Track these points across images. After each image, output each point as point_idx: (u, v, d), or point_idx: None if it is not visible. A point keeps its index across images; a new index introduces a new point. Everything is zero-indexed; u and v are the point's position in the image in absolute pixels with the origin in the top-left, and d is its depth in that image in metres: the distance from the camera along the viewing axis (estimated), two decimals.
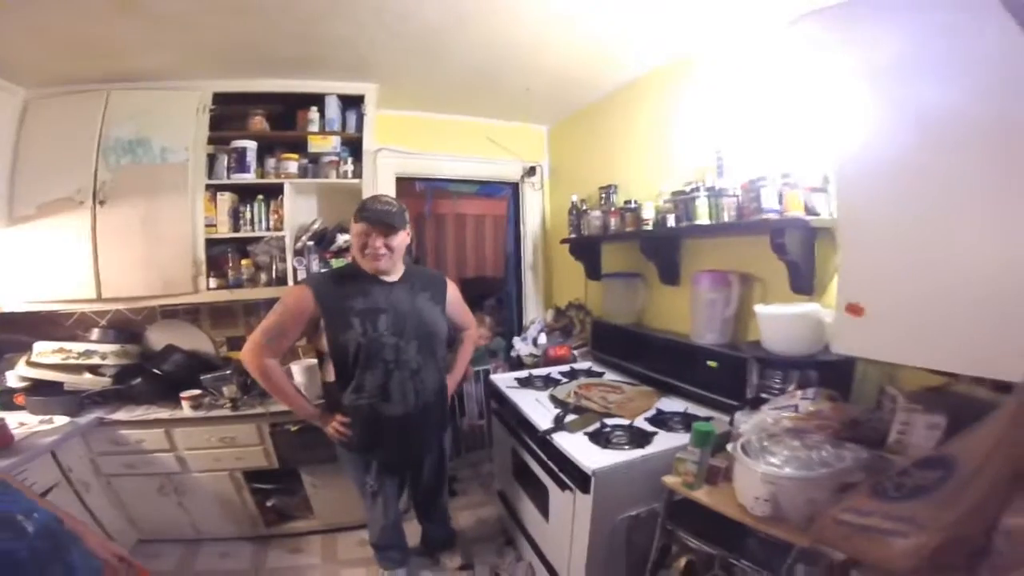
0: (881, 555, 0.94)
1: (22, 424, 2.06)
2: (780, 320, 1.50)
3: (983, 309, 0.98)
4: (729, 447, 1.28)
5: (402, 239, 1.72)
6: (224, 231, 2.45)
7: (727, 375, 1.79)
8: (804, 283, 1.61)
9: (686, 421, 1.77)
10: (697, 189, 1.86)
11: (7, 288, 2.24)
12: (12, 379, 2.28)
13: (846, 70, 1.21)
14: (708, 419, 1.48)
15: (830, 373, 1.43)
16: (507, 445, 2.27)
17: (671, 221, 2.00)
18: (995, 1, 0.92)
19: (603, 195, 2.56)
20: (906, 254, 1.09)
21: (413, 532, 2.30)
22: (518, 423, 2.10)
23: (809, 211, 1.55)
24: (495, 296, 4.02)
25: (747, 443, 1.22)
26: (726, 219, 1.77)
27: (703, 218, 1.84)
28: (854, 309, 1.17)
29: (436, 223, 3.70)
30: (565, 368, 2.62)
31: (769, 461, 1.14)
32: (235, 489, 2.37)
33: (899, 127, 1.10)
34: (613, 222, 2.39)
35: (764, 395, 1.51)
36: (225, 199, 2.45)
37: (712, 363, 1.87)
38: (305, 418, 1.88)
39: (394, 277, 1.77)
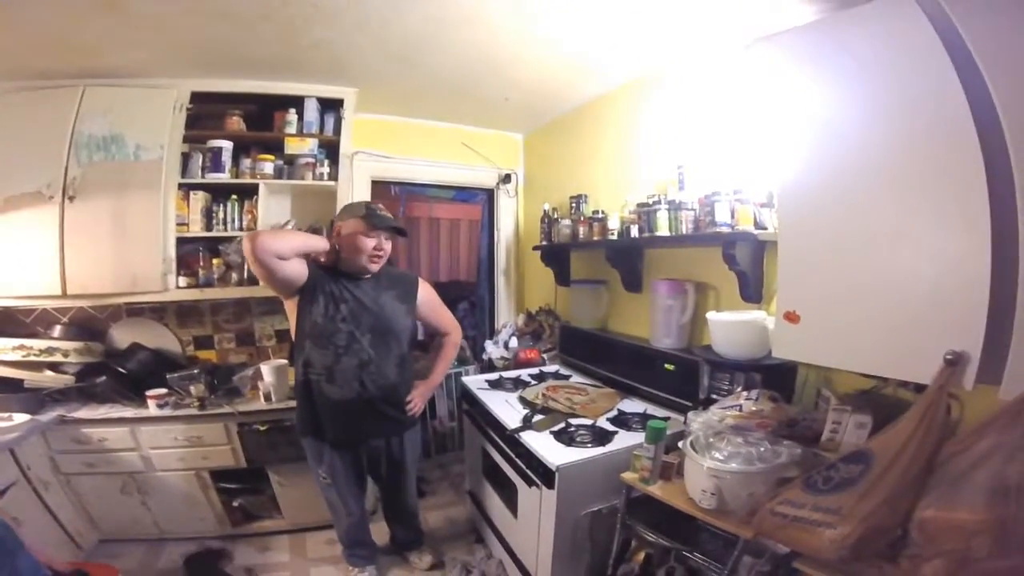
0: (812, 545, 1.02)
1: None
2: (728, 326, 1.60)
3: (900, 319, 1.08)
4: (680, 444, 1.36)
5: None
6: (196, 230, 2.44)
7: (683, 377, 1.88)
8: (753, 292, 1.71)
9: (645, 421, 1.82)
10: (659, 202, 1.95)
11: None
12: None
13: (789, 94, 1.31)
14: (666, 419, 1.55)
15: (774, 376, 1.53)
16: (477, 445, 2.31)
17: (634, 231, 2.08)
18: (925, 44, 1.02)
19: (573, 204, 2.64)
20: (834, 267, 1.19)
21: (383, 532, 2.31)
22: (488, 423, 2.15)
23: (758, 225, 1.65)
24: (468, 300, 4.05)
25: (695, 440, 1.29)
26: (684, 231, 1.86)
27: (663, 229, 1.93)
28: (791, 317, 1.26)
29: (410, 227, 3.72)
30: (534, 371, 2.69)
31: (714, 456, 1.21)
32: (201, 488, 2.35)
33: (828, 153, 1.20)
34: (582, 231, 2.46)
35: (714, 396, 1.60)
36: (198, 198, 2.44)
37: (669, 366, 1.96)
38: (318, 248, 1.83)
39: (366, 275, 1.85)
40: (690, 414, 1.49)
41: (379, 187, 3.22)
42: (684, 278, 2.02)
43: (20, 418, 2.07)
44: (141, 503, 2.31)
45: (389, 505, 2.21)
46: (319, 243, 1.82)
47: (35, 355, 2.25)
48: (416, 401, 1.98)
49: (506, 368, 2.88)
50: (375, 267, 1.83)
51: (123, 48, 2.04)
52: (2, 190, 2.18)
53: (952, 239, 1.00)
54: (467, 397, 2.47)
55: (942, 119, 1.00)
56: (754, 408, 1.32)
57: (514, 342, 3.17)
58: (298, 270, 1.73)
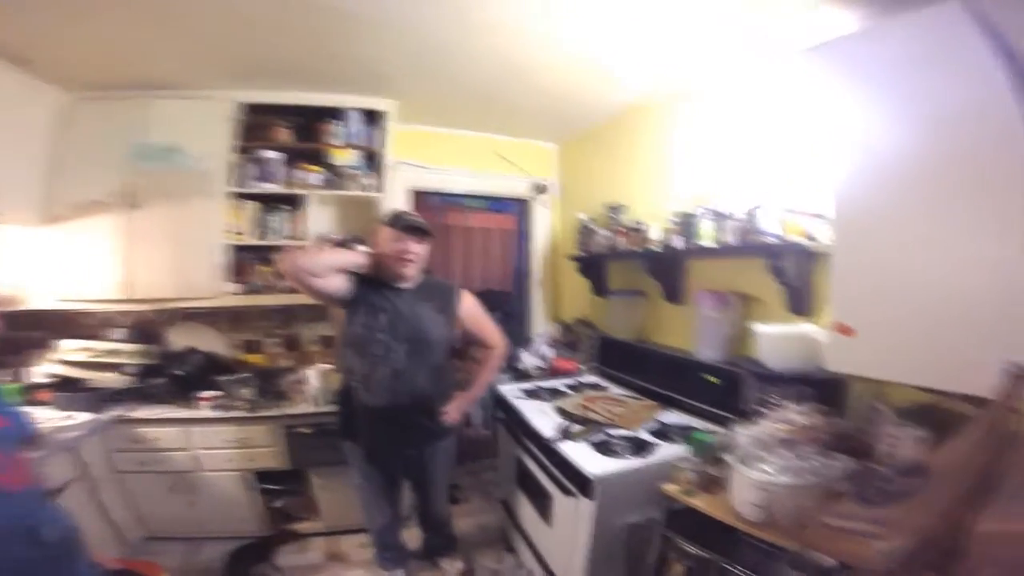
0: (863, 556, 1.02)
1: (47, 419, 2.13)
2: (777, 339, 1.60)
3: (960, 331, 1.08)
4: (726, 457, 1.37)
5: (426, 248, 1.89)
6: (247, 238, 2.57)
7: (726, 390, 1.88)
8: (801, 304, 1.71)
9: (686, 433, 1.83)
10: (702, 212, 1.96)
11: (40, 286, 2.34)
12: (38, 375, 2.38)
13: (839, 104, 1.32)
14: (708, 432, 1.57)
15: (825, 389, 1.52)
16: (512, 453, 2.35)
17: (676, 242, 2.09)
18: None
19: (611, 214, 2.66)
20: (891, 279, 1.19)
21: (414, 537, 2.36)
22: (524, 432, 2.18)
23: (808, 237, 1.63)
24: (501, 310, 4.11)
25: (743, 453, 1.31)
26: (729, 242, 1.86)
27: (707, 240, 1.94)
28: (845, 330, 1.27)
29: (446, 237, 3.83)
30: (571, 381, 2.71)
31: (763, 469, 1.22)
32: (245, 489, 2.46)
33: (883, 162, 1.20)
34: (620, 241, 2.49)
35: (761, 409, 1.60)
36: (250, 207, 2.58)
37: (712, 378, 1.97)
38: (355, 263, 1.85)
39: (408, 284, 1.90)
40: (736, 427, 1.49)
41: (418, 197, 3.32)
42: (727, 289, 2.02)
43: (82, 417, 2.21)
44: (188, 502, 2.43)
45: (421, 511, 2.26)
46: (354, 258, 1.85)
47: (99, 356, 2.42)
48: (451, 412, 1.97)
49: (541, 378, 2.91)
50: (407, 271, 1.85)
51: (176, 59, 2.18)
52: (71, 197, 2.35)
53: (1014, 248, 0.99)
54: (502, 406, 2.51)
55: (1003, 126, 1.00)
56: (804, 421, 1.33)
57: (549, 352, 3.20)
58: (336, 285, 1.79)
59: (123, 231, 2.37)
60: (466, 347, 2.33)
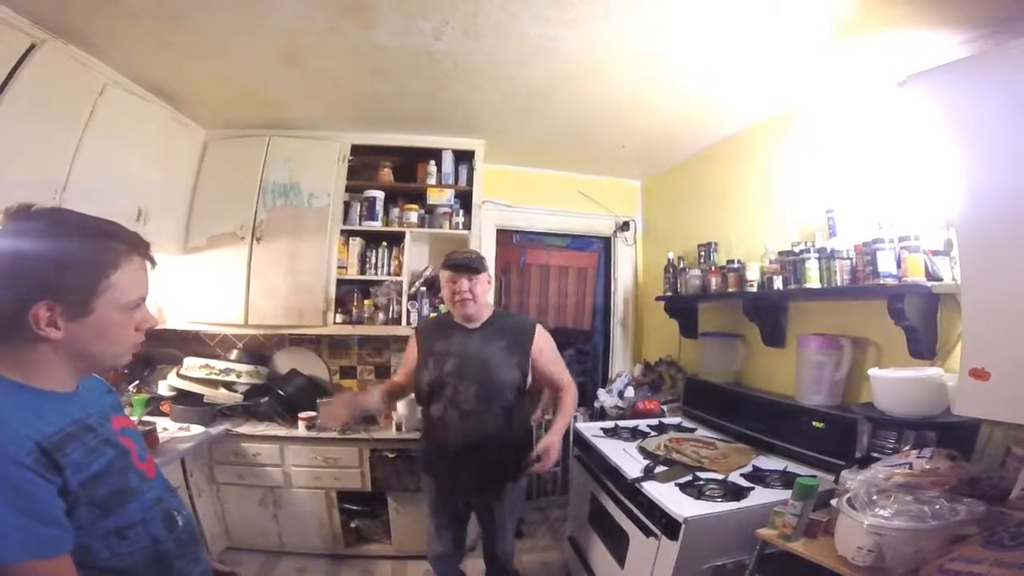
0: None
1: (165, 429, 2.43)
2: (898, 384, 1.54)
3: None
4: (834, 501, 1.34)
5: (484, 285, 1.93)
6: (353, 273, 2.86)
7: (833, 435, 1.82)
8: (924, 348, 1.63)
9: (785, 478, 1.80)
10: (807, 250, 1.91)
11: (176, 308, 2.72)
12: (163, 388, 2.70)
13: (957, 132, 1.32)
14: (811, 476, 1.53)
15: (950, 434, 1.45)
16: (586, 491, 2.35)
17: (778, 283, 2.04)
18: None
19: (702, 253, 2.67)
20: None
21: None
22: (604, 470, 2.19)
23: (931, 276, 1.57)
24: (574, 347, 4.15)
25: (854, 496, 1.27)
26: (839, 282, 1.80)
27: (813, 281, 1.88)
28: (978, 374, 1.22)
29: (526, 274, 3.98)
30: (653, 422, 2.69)
31: (877, 513, 1.19)
32: (327, 507, 2.64)
33: (1015, 191, 1.18)
34: (713, 282, 2.47)
35: (875, 454, 1.54)
36: (356, 244, 2.87)
37: (818, 423, 1.91)
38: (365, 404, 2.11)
39: (476, 324, 1.97)
40: (845, 472, 1.47)
41: (502, 235, 3.52)
42: (836, 332, 1.96)
43: (196, 429, 2.50)
44: (272, 516, 2.64)
45: (486, 546, 2.26)
46: (366, 402, 2.07)
47: (215, 374, 2.71)
48: (547, 461, 1.86)
49: (620, 417, 2.91)
50: (465, 310, 1.90)
51: (300, 100, 2.49)
52: (207, 230, 2.73)
53: None
54: (579, 443, 2.53)
55: None
56: (927, 466, 1.28)
57: (630, 392, 3.19)
58: (408, 373, 2.02)
59: (247, 262, 2.70)
60: (539, 388, 2.36)
